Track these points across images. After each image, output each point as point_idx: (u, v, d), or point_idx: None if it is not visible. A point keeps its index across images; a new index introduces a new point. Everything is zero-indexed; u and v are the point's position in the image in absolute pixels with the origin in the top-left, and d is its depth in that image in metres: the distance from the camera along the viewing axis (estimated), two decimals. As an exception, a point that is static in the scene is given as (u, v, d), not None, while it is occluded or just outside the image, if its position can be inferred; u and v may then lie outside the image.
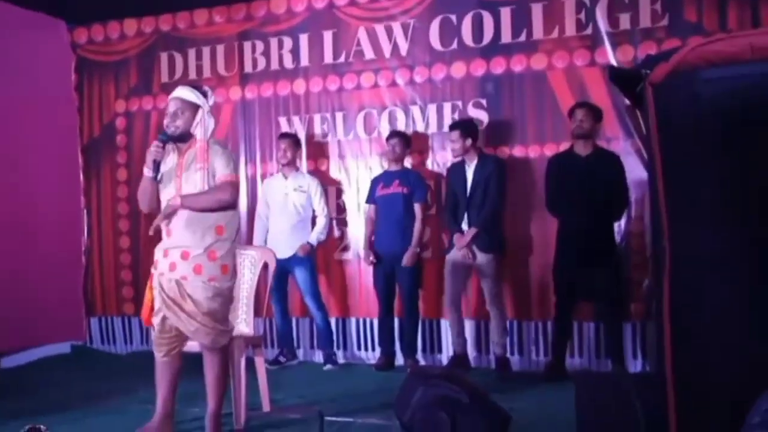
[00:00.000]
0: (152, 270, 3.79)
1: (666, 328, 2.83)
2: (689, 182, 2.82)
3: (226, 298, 3.76)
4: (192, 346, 3.88)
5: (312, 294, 5.93)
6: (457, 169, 5.59)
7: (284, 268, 5.91)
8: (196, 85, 3.89)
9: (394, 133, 5.82)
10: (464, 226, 5.48)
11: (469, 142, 5.47)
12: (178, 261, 3.66)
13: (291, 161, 5.97)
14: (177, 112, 3.69)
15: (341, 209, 6.21)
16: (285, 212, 5.91)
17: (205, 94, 3.77)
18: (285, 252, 5.85)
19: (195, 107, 3.71)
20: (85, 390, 5.20)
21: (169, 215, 3.68)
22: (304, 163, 6.24)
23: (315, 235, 5.92)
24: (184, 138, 3.71)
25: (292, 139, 6.04)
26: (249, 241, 6.30)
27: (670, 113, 2.85)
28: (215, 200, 3.67)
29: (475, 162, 5.49)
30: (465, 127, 5.54)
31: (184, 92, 3.74)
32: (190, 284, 3.65)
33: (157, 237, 3.82)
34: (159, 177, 3.71)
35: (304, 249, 5.84)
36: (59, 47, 6.90)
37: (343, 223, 6.21)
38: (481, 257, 5.43)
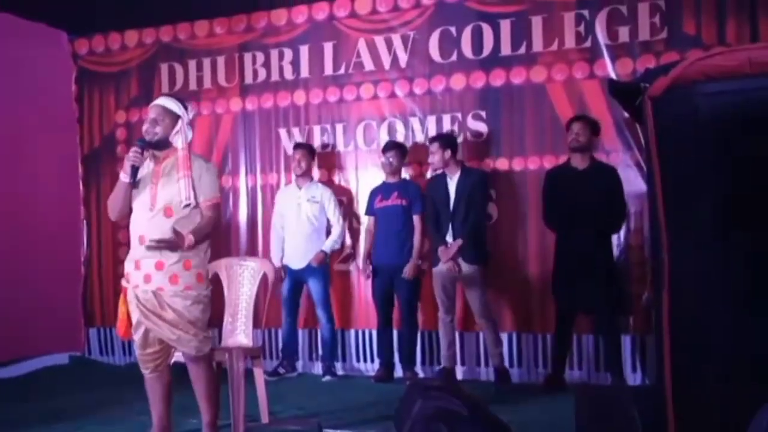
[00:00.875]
0: (124, 283, 3.77)
1: (665, 340, 2.84)
2: (688, 195, 2.83)
3: (206, 306, 3.75)
4: (182, 357, 3.87)
5: (324, 305, 5.91)
6: (439, 181, 5.60)
7: (299, 279, 5.91)
8: (178, 97, 3.91)
9: (390, 145, 5.82)
10: (449, 238, 5.48)
11: (448, 153, 5.48)
12: (153, 272, 3.65)
13: (306, 172, 5.97)
14: (157, 119, 3.71)
15: (341, 221, 6.19)
16: (298, 223, 5.90)
17: (186, 107, 3.79)
18: (299, 263, 5.86)
19: (175, 116, 3.72)
20: (83, 401, 5.19)
21: (172, 246, 3.62)
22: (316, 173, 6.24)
23: (329, 243, 5.90)
24: (161, 145, 3.72)
25: (307, 149, 6.03)
26: (249, 251, 6.32)
27: (669, 127, 2.87)
28: (211, 225, 3.76)
29: (457, 175, 5.50)
30: (444, 139, 5.58)
31: (165, 101, 3.77)
32: (167, 294, 3.64)
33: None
34: (135, 183, 3.71)
35: (318, 258, 5.82)
36: (60, 58, 6.92)
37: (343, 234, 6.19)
38: (467, 268, 5.42)
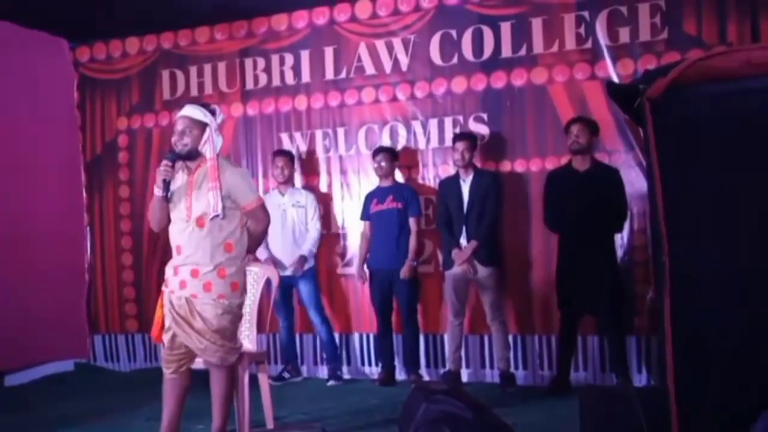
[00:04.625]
0: (163, 288, 3.81)
1: (668, 342, 2.83)
2: (688, 197, 2.83)
3: (235, 316, 3.77)
4: (199, 362, 3.87)
5: (316, 308, 5.93)
6: (452, 184, 5.58)
7: (288, 284, 5.92)
8: (204, 103, 3.90)
9: (379, 150, 5.83)
10: (462, 241, 5.48)
11: (472, 154, 5.50)
12: (188, 279, 3.68)
13: (288, 178, 5.99)
14: (185, 130, 3.70)
15: (343, 224, 6.21)
16: (284, 228, 5.91)
17: (213, 113, 3.78)
18: (287, 268, 5.86)
19: (203, 125, 3.72)
20: (88, 408, 5.19)
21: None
22: (298, 178, 6.26)
23: (307, 247, 5.90)
24: (192, 156, 3.72)
25: (289, 156, 6.06)
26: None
27: (669, 128, 2.86)
28: (263, 227, 3.86)
29: (470, 177, 5.49)
30: (474, 138, 5.57)
31: (191, 110, 3.75)
32: (199, 302, 3.66)
33: (167, 254, 3.85)
34: (169, 196, 3.72)
35: (298, 263, 5.83)
36: (61, 66, 6.93)
37: (345, 238, 6.20)
38: (482, 271, 5.42)
